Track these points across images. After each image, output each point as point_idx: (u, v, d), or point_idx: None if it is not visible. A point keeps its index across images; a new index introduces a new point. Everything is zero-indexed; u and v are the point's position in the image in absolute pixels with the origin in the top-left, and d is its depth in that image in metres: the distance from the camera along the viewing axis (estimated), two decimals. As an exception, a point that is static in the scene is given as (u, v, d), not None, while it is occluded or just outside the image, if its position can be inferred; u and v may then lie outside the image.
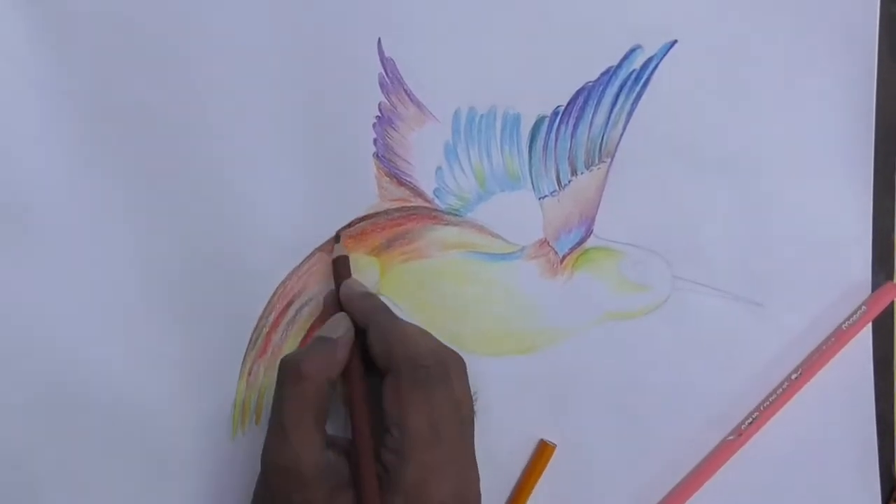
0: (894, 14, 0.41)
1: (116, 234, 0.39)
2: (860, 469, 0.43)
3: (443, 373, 0.34)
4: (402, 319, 0.37)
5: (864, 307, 0.42)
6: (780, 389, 0.42)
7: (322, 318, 0.40)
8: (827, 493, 0.43)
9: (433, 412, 0.33)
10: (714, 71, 0.41)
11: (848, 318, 0.42)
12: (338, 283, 0.39)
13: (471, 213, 0.41)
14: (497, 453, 0.41)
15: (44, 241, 0.39)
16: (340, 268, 0.39)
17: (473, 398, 0.36)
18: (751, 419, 0.42)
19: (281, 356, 0.40)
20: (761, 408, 0.42)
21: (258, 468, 0.40)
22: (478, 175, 0.41)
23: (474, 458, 0.35)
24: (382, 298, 0.40)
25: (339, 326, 0.36)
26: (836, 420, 0.43)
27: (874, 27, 0.41)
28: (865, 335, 0.43)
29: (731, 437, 0.42)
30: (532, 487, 0.41)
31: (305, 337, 0.40)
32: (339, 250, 0.39)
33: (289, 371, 0.34)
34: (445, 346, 0.36)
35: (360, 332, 0.37)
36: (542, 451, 0.41)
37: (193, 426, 0.40)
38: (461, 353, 0.39)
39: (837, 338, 0.42)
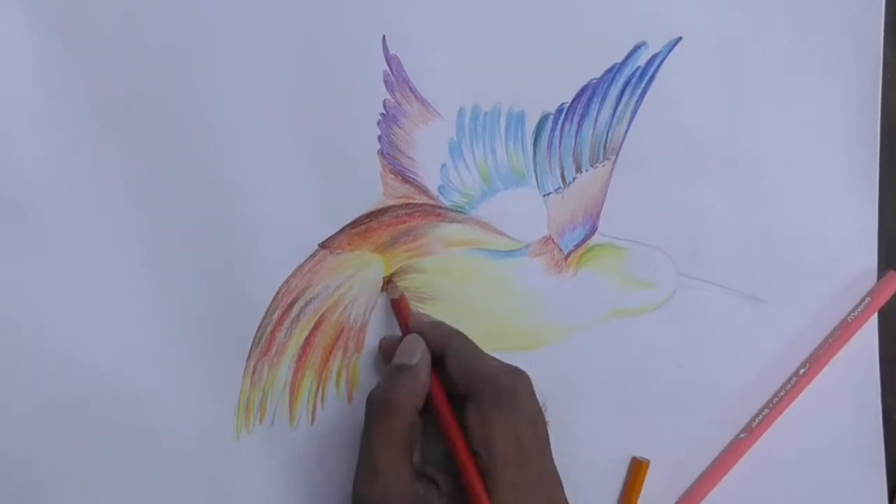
0: (899, 10, 0.41)
1: (119, 233, 0.39)
2: (867, 465, 0.43)
3: (518, 394, 0.35)
4: (474, 343, 0.38)
5: (868, 298, 0.42)
6: (789, 385, 0.42)
7: (385, 358, 0.40)
8: (834, 490, 0.43)
9: (517, 432, 0.34)
10: (719, 68, 0.41)
11: (853, 310, 0.42)
12: (402, 323, 0.39)
13: (475, 210, 0.41)
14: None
15: (46, 240, 0.38)
16: (402, 308, 0.39)
17: (543, 409, 0.37)
18: (760, 416, 0.42)
19: (285, 356, 0.40)
20: (770, 404, 0.42)
21: (262, 467, 0.40)
22: (482, 172, 0.41)
23: (556, 472, 0.36)
24: (385, 294, 0.40)
25: (415, 351, 0.37)
26: (843, 416, 0.43)
27: (879, 23, 0.41)
28: (872, 331, 0.43)
29: (742, 436, 0.42)
30: None
31: (310, 336, 0.40)
32: (395, 292, 0.40)
33: (378, 407, 0.35)
34: (512, 366, 0.37)
35: (436, 360, 0.37)
36: (637, 469, 0.42)
37: (196, 425, 0.40)
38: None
39: (843, 330, 0.42)
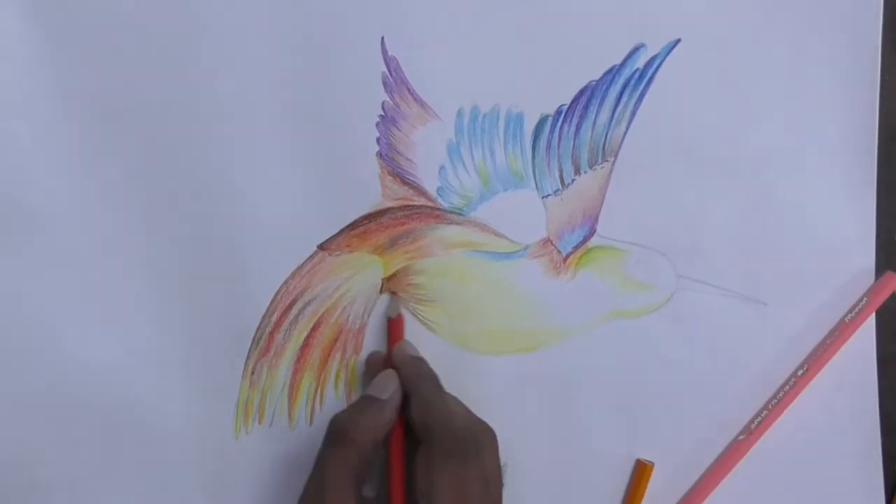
0: (898, 12, 0.41)
1: (119, 234, 0.39)
2: (864, 467, 0.43)
3: (476, 449, 0.35)
4: (444, 391, 0.38)
5: (865, 299, 0.42)
6: (787, 386, 0.42)
7: (367, 377, 0.40)
8: (831, 492, 0.43)
9: (462, 489, 0.34)
10: (717, 69, 0.41)
11: (850, 311, 0.42)
12: (390, 342, 0.39)
13: (474, 212, 0.41)
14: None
15: (45, 241, 0.39)
16: (395, 329, 0.40)
17: (503, 469, 0.36)
18: (759, 418, 0.42)
19: (283, 357, 0.40)
20: (769, 406, 0.42)
21: (261, 468, 0.40)
22: (481, 174, 0.41)
23: None
24: (385, 297, 0.40)
25: (389, 386, 0.37)
26: (841, 418, 0.43)
27: (877, 25, 0.41)
28: (869, 333, 0.43)
29: (741, 438, 0.42)
30: None
31: (308, 337, 0.40)
32: (394, 309, 0.40)
33: (337, 433, 0.35)
34: (479, 420, 0.37)
35: (405, 397, 0.37)
36: (642, 472, 0.42)
37: (196, 426, 0.40)
38: (464, 352, 0.39)
39: (841, 331, 0.42)
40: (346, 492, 0.34)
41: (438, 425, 0.35)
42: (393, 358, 0.39)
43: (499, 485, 0.36)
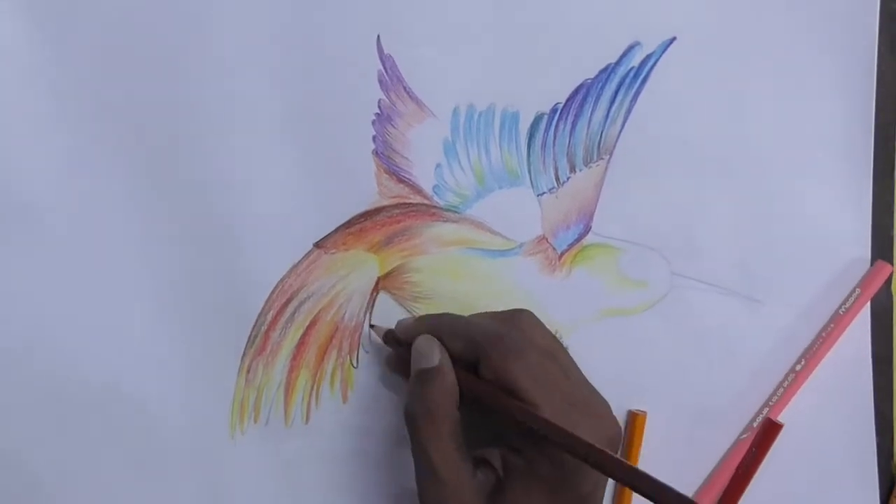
0: (894, 11, 0.41)
1: (115, 233, 0.39)
2: (859, 466, 0.43)
3: (520, 334, 0.35)
4: (462, 315, 0.38)
5: (858, 289, 0.42)
6: (786, 382, 0.42)
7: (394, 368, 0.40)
8: (826, 490, 0.43)
9: (533, 368, 0.34)
10: (713, 68, 0.41)
11: (844, 302, 0.42)
12: (396, 349, 0.39)
13: (470, 209, 0.41)
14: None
15: (43, 240, 0.38)
16: (391, 338, 0.39)
17: (557, 336, 0.37)
18: (761, 415, 0.42)
19: (279, 355, 0.40)
20: (769, 403, 0.42)
21: (256, 467, 0.40)
22: (476, 172, 0.41)
23: (591, 393, 0.36)
24: (382, 294, 0.41)
25: (433, 351, 0.36)
26: (836, 417, 0.43)
27: (874, 24, 0.41)
28: (864, 332, 0.43)
29: (743, 437, 0.42)
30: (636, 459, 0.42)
31: (304, 335, 0.40)
32: (379, 331, 0.40)
33: (420, 418, 0.35)
34: (507, 311, 0.37)
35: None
36: (635, 421, 0.42)
37: (191, 425, 0.40)
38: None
39: (836, 323, 0.42)
40: (461, 465, 0.34)
41: (476, 339, 0.35)
42: (404, 335, 0.38)
43: (561, 349, 0.36)
